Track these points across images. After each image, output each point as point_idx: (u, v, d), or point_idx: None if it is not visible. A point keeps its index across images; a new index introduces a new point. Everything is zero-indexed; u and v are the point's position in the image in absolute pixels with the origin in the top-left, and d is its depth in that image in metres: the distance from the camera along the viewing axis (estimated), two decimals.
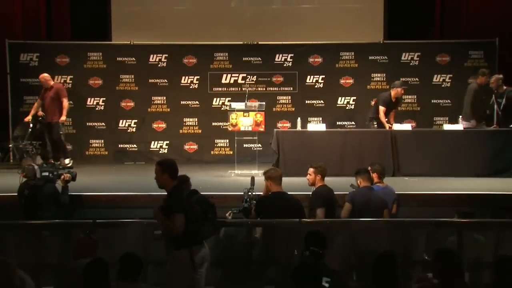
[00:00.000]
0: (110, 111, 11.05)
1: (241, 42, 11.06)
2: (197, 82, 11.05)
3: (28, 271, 4.83)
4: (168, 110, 11.07)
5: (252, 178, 6.21)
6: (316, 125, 9.42)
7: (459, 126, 9.13)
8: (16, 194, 6.41)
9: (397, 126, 9.15)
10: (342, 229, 5.91)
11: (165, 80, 11.07)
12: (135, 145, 11.07)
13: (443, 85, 10.93)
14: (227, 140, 10.83)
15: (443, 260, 4.24)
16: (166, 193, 4.89)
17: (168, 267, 4.97)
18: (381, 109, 9.23)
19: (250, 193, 5.80)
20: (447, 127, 9.32)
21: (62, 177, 6.39)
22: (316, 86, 11.08)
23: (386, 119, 9.21)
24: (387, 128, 9.07)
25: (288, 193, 6.07)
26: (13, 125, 10.54)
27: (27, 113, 9.82)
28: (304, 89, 11.05)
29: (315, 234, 4.74)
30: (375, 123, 9.30)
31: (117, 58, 11.03)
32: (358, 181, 6.32)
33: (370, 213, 6.01)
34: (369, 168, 6.61)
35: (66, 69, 11.01)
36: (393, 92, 9.36)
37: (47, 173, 6.30)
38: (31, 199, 6.16)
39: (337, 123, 10.85)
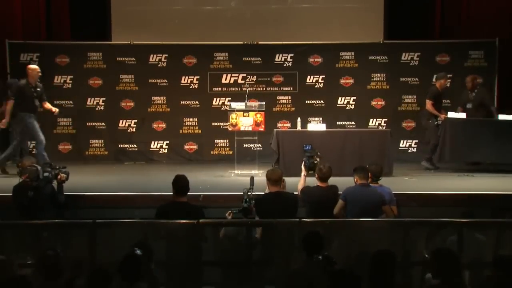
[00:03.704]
0: (110, 111, 11.05)
1: (241, 42, 11.05)
2: (197, 82, 11.04)
3: (28, 271, 4.84)
4: (168, 110, 11.07)
5: (252, 178, 6.23)
6: (316, 125, 9.41)
7: None
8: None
9: (451, 114, 9.25)
10: (342, 229, 5.90)
11: (165, 80, 11.07)
12: (135, 145, 11.07)
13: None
14: (227, 140, 10.82)
15: (442, 260, 4.25)
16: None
17: None
18: (428, 102, 9.40)
19: (249, 193, 5.82)
20: (502, 117, 9.37)
21: (59, 177, 6.41)
22: (316, 86, 11.08)
23: (441, 112, 9.35)
24: (442, 117, 9.22)
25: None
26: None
27: None
28: (304, 89, 11.05)
29: (316, 235, 4.72)
30: (438, 121, 9.34)
31: (117, 58, 11.02)
32: (355, 179, 6.35)
33: (367, 209, 6.01)
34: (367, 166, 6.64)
35: (66, 69, 11.00)
36: (438, 84, 9.57)
37: (47, 174, 6.31)
38: (34, 200, 6.15)
39: (337, 123, 10.84)
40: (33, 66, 9.09)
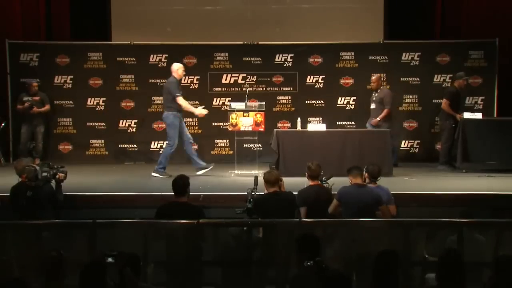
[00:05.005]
0: (110, 111, 11.04)
1: (241, 42, 11.06)
2: (197, 82, 11.04)
3: (28, 271, 4.84)
4: None
5: (256, 178, 6.25)
6: (316, 125, 9.41)
7: None
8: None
9: (467, 115, 9.23)
10: (341, 229, 5.89)
11: (165, 80, 11.01)
12: (135, 145, 11.07)
13: (443, 85, 10.90)
14: (227, 140, 10.83)
15: (448, 260, 4.25)
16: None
17: None
18: (445, 101, 9.40)
19: (253, 193, 5.83)
20: None
21: (57, 176, 6.41)
22: (316, 86, 11.08)
23: (459, 112, 9.32)
24: (458, 117, 9.18)
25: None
26: (13, 125, 10.57)
27: None
28: (304, 89, 11.05)
29: (310, 239, 4.68)
30: (452, 123, 9.32)
31: (117, 58, 11.02)
32: (349, 179, 6.35)
33: (363, 209, 5.99)
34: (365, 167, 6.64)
35: (66, 69, 11.00)
36: (456, 84, 9.59)
37: (45, 174, 6.31)
38: (33, 200, 6.15)
39: (337, 123, 10.84)
40: (178, 64, 8.97)
